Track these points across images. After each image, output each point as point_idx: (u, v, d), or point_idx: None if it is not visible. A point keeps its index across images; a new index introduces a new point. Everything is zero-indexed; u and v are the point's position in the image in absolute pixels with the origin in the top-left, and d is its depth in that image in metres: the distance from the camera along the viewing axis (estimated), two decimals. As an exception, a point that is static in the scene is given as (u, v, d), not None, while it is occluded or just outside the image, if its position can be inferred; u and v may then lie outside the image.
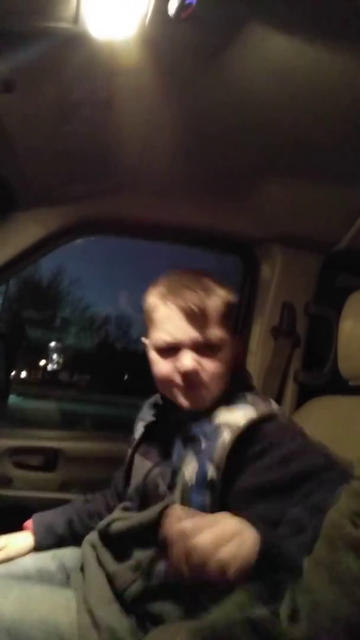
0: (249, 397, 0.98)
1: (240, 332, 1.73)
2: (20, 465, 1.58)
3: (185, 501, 0.87)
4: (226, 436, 0.87)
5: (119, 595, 0.91)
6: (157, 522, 0.87)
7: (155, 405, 1.12)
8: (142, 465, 1.03)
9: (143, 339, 1.05)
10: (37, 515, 1.19)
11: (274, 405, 0.98)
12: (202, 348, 0.94)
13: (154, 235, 1.71)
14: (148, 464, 1.01)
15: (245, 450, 0.88)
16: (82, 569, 1.04)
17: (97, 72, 0.98)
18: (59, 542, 1.16)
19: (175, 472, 0.91)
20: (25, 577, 1.06)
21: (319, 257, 1.63)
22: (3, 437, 1.60)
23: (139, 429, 1.09)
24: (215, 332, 0.95)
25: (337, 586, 0.54)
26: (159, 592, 0.87)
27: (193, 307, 0.93)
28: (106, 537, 1.00)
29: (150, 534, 0.89)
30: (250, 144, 1.22)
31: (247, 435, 0.88)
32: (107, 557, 0.98)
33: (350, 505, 0.57)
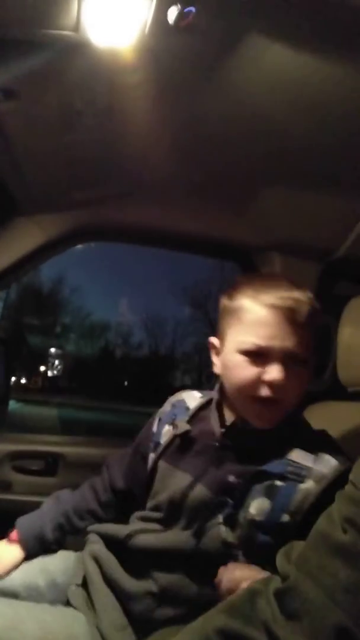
0: (329, 440, 0.93)
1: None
2: (20, 470, 1.58)
3: (248, 538, 0.83)
4: (311, 485, 0.83)
5: (134, 619, 0.87)
6: (201, 553, 0.85)
7: (190, 410, 1.03)
8: (175, 476, 0.95)
9: (212, 340, 0.96)
10: (22, 522, 1.08)
11: (340, 452, 0.90)
12: (291, 359, 0.87)
13: (154, 241, 1.72)
14: (187, 477, 0.93)
15: (324, 502, 0.81)
16: (83, 583, 0.99)
17: (98, 79, 0.99)
18: (47, 549, 1.09)
19: (237, 505, 0.85)
20: (13, 595, 0.99)
21: (318, 264, 1.64)
22: (3, 442, 1.60)
23: (166, 434, 1.01)
24: (307, 346, 0.88)
25: (324, 592, 0.53)
26: (180, 620, 0.82)
27: (296, 313, 0.86)
28: (122, 550, 0.94)
29: (182, 558, 0.87)
30: (249, 153, 1.23)
31: (331, 489, 0.81)
32: (118, 573, 0.92)
33: (342, 511, 0.57)
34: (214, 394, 1.00)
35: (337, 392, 1.36)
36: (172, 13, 0.79)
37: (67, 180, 1.37)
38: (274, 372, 0.85)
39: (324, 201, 1.40)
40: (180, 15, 0.79)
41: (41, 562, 1.06)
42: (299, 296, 0.88)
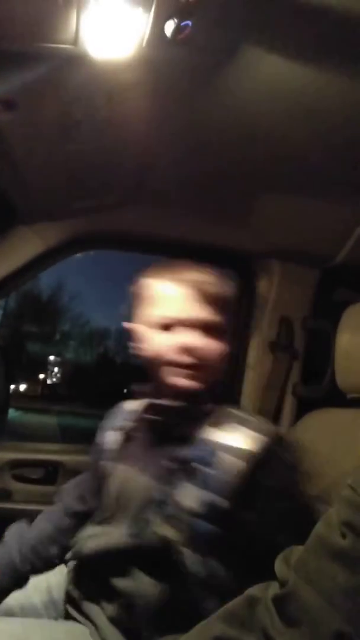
0: (237, 414, 0.95)
1: (238, 347, 1.73)
2: (20, 479, 1.58)
3: (188, 528, 0.83)
4: (240, 465, 0.84)
5: (121, 628, 0.87)
6: (145, 550, 0.85)
7: (127, 410, 1.09)
8: (120, 470, 0.99)
9: (129, 324, 1.01)
10: None
11: (264, 424, 0.93)
12: (203, 328, 0.93)
13: (152, 249, 1.73)
14: (129, 469, 0.96)
15: (258, 478, 0.84)
16: (72, 598, 0.98)
17: (97, 91, 1.00)
18: (18, 584, 1.05)
19: (169, 495, 0.86)
20: (9, 615, 0.98)
21: (316, 271, 1.65)
22: (3, 450, 1.60)
23: (111, 437, 1.05)
24: (216, 315, 0.94)
25: (323, 597, 0.53)
26: (147, 620, 0.84)
27: (198, 285, 0.93)
28: (79, 560, 0.96)
29: (129, 557, 0.87)
30: (247, 161, 1.24)
31: (257, 462, 0.85)
32: (87, 587, 0.93)
33: (341, 515, 0.57)
34: (144, 387, 1.04)
35: (336, 398, 1.37)
36: (169, 27, 0.80)
37: (67, 189, 1.38)
38: (184, 338, 0.91)
39: (322, 208, 1.42)
40: (177, 29, 0.80)
41: (33, 581, 1.05)
42: (200, 274, 0.96)
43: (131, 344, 1.01)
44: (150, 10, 0.79)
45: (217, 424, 0.91)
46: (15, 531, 1.11)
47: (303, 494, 0.94)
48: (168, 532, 0.84)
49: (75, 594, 0.96)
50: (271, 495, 0.85)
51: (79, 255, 1.64)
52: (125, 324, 1.02)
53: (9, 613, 0.99)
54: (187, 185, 1.39)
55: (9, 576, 1.04)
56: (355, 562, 0.53)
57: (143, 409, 1.03)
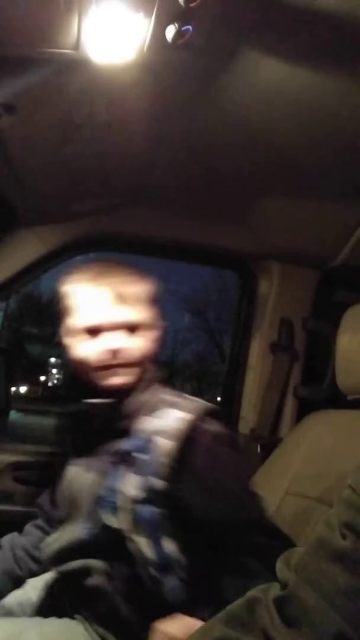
0: (166, 398, 0.99)
1: (239, 348, 1.74)
2: (21, 481, 1.58)
3: (134, 517, 0.87)
4: (168, 444, 0.88)
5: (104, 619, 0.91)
6: (97, 543, 0.90)
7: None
8: (69, 476, 1.03)
9: (60, 330, 1.04)
10: None
11: (192, 403, 0.97)
12: (123, 328, 0.96)
13: (153, 251, 1.73)
14: (77, 472, 1.00)
15: (188, 456, 0.89)
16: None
17: (97, 95, 1.01)
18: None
19: (113, 487, 0.90)
20: (8, 614, 1.01)
21: (316, 272, 1.65)
22: (4, 453, 1.59)
23: (65, 440, 1.09)
24: (136, 314, 0.97)
25: (324, 598, 0.53)
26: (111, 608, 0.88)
27: (115, 288, 0.96)
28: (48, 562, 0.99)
29: (85, 550, 0.91)
30: (246, 164, 1.25)
31: (183, 439, 0.89)
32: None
33: (341, 516, 0.57)
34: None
35: (337, 399, 1.37)
36: (170, 31, 0.81)
37: (67, 192, 1.39)
38: (105, 342, 0.95)
39: (322, 210, 1.42)
40: (178, 34, 0.81)
41: (31, 579, 1.07)
42: (116, 275, 0.99)
43: (66, 353, 1.04)
44: (151, 15, 0.79)
45: (150, 411, 0.96)
46: (7, 539, 1.14)
47: (240, 466, 0.99)
48: (116, 522, 0.87)
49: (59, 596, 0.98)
50: (199, 470, 0.88)
51: (79, 257, 1.65)
52: (59, 330, 1.05)
53: (8, 612, 1.00)
54: (187, 188, 1.40)
55: (6, 579, 1.06)
56: (356, 563, 0.53)
57: (82, 411, 1.05)
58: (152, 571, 0.86)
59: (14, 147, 1.14)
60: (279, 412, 1.62)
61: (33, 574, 1.09)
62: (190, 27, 0.81)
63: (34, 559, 1.10)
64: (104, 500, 0.90)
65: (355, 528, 0.54)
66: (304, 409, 1.59)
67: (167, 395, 1.00)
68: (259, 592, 0.62)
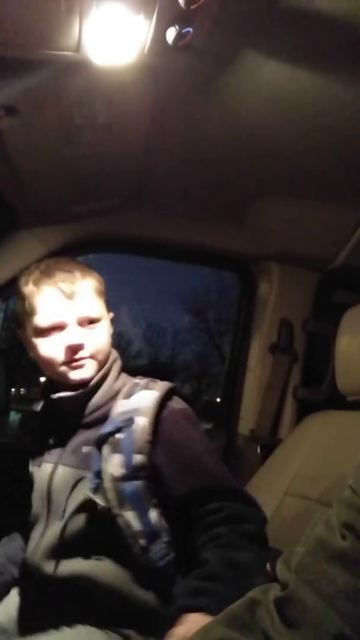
0: (139, 382, 1.03)
1: (239, 349, 1.74)
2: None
3: (118, 494, 0.90)
4: (142, 420, 0.92)
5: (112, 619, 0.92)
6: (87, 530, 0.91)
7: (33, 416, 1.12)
8: (40, 470, 1.03)
9: (19, 332, 1.06)
10: None
11: (160, 384, 1.01)
12: (84, 323, 0.99)
13: (152, 252, 1.74)
14: (48, 466, 1.01)
15: (161, 430, 0.93)
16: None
17: (98, 96, 1.01)
18: None
19: (97, 473, 0.92)
20: (2, 632, 1.00)
21: (316, 274, 1.65)
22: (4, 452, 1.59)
23: (26, 442, 1.10)
24: (94, 307, 1.01)
25: (324, 599, 0.53)
26: (107, 593, 0.91)
27: (70, 285, 0.98)
28: (36, 572, 0.97)
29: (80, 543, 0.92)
30: (246, 165, 1.25)
31: (159, 414, 0.94)
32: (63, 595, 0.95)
33: (341, 516, 0.57)
34: (42, 386, 1.10)
35: (336, 401, 1.37)
36: (171, 33, 0.81)
37: (67, 193, 1.39)
38: (69, 338, 0.97)
39: (322, 211, 1.42)
40: (179, 36, 0.81)
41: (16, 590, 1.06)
42: (68, 273, 1.00)
43: (28, 354, 1.06)
44: (151, 17, 0.80)
45: (127, 395, 1.00)
46: None
47: (206, 438, 1.03)
48: (103, 500, 0.90)
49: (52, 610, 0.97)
50: (171, 441, 0.94)
51: (79, 258, 1.65)
52: (18, 333, 1.07)
53: (1, 629, 0.99)
54: (187, 189, 1.40)
55: None
56: (355, 564, 0.53)
57: (48, 408, 1.07)
58: (142, 541, 0.90)
59: (15, 149, 1.14)
60: (279, 413, 1.62)
61: (17, 581, 1.07)
62: (190, 30, 0.81)
63: (13, 564, 1.09)
64: (89, 484, 0.92)
65: (355, 529, 0.54)
66: (304, 410, 1.59)
67: (137, 379, 1.04)
68: (259, 593, 0.62)
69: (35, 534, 0.99)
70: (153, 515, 0.92)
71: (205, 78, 0.97)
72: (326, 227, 1.48)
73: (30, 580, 0.99)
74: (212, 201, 1.47)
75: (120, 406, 0.98)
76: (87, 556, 0.92)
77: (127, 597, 0.90)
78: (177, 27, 0.80)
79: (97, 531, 0.92)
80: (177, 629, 0.75)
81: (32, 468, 1.06)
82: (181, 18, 0.79)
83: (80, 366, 0.98)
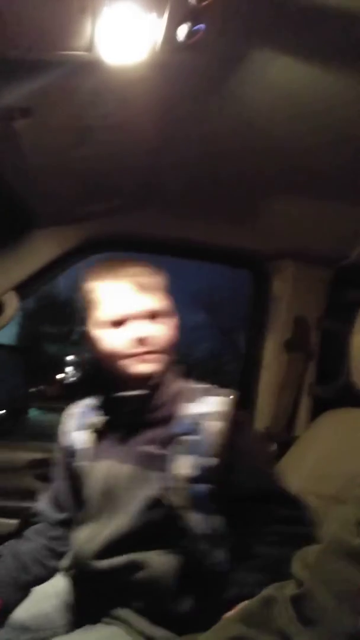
0: (199, 387, 1.04)
1: (254, 347, 1.73)
2: (42, 478, 1.60)
3: (188, 494, 0.92)
4: (217, 425, 0.95)
5: (149, 615, 0.92)
6: (151, 527, 0.92)
7: (89, 411, 1.11)
8: (100, 468, 1.01)
9: (85, 329, 1.05)
10: None
11: (224, 390, 1.04)
12: (149, 317, 0.99)
13: (166, 250, 1.74)
14: (112, 463, 1.00)
15: (232, 435, 0.95)
16: (87, 602, 1.01)
17: (110, 96, 1.01)
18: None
19: (167, 471, 0.93)
20: (21, 628, 0.99)
21: (330, 271, 1.64)
22: (24, 450, 1.62)
23: (80, 438, 1.07)
24: (160, 302, 1.01)
25: (339, 597, 0.53)
26: (159, 592, 0.92)
27: (138, 278, 0.99)
28: (84, 564, 0.97)
29: (139, 538, 0.93)
30: (258, 163, 1.25)
31: (230, 420, 0.96)
32: (100, 584, 0.96)
33: (357, 515, 0.57)
34: (103, 383, 1.08)
35: (352, 398, 1.36)
36: (182, 31, 0.81)
37: (81, 193, 1.40)
38: (134, 330, 0.97)
39: (334, 208, 1.41)
40: (190, 33, 0.81)
41: (40, 588, 1.06)
42: (135, 267, 1.02)
43: (89, 349, 1.06)
44: (163, 15, 0.80)
45: (189, 399, 1.00)
46: (9, 550, 1.10)
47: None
48: (172, 500, 0.91)
49: (89, 600, 0.98)
50: (244, 447, 0.97)
51: (94, 256, 1.66)
52: (85, 329, 1.06)
53: (22, 625, 0.99)
54: (200, 188, 1.40)
55: (12, 590, 1.03)
56: None
57: (110, 404, 1.06)
58: (203, 545, 0.92)
59: (29, 150, 1.15)
60: (294, 411, 1.62)
61: (40, 580, 1.07)
62: (202, 26, 0.81)
63: (42, 564, 1.08)
64: (156, 483, 0.93)
65: None
66: (319, 407, 1.58)
67: (196, 384, 1.06)
68: (275, 591, 0.62)
69: (91, 529, 0.99)
70: (217, 519, 0.94)
71: (216, 76, 0.97)
72: (339, 223, 1.46)
73: (77, 572, 1.00)
74: (225, 199, 1.47)
75: (188, 408, 0.99)
76: (145, 551, 0.93)
77: (173, 595, 0.91)
78: (188, 25, 0.80)
79: (160, 530, 0.93)
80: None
81: (86, 464, 1.04)
82: (192, 15, 0.79)
83: (146, 360, 0.98)
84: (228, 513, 0.95)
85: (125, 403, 1.02)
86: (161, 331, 1.00)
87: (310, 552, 0.64)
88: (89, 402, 1.13)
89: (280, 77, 0.94)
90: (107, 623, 0.95)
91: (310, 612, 0.55)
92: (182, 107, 1.06)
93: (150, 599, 0.92)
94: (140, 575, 0.92)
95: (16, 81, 0.93)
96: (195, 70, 0.94)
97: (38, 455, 1.61)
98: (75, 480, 1.07)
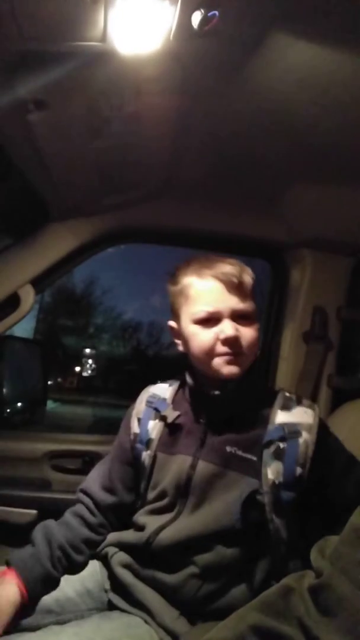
0: (289, 395, 1.06)
1: (272, 338, 1.72)
2: (58, 469, 1.62)
3: (276, 499, 0.93)
4: (306, 436, 0.96)
5: (181, 605, 0.94)
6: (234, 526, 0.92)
7: (168, 399, 1.11)
8: (174, 461, 1.02)
9: (171, 324, 1.08)
10: (20, 564, 1.00)
11: (308, 400, 1.08)
12: (239, 317, 0.99)
13: (183, 242, 1.73)
14: (186, 458, 1.00)
15: (320, 445, 0.96)
16: (113, 589, 1.03)
17: (125, 86, 1.00)
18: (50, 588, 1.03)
19: (257, 474, 0.94)
20: (46, 612, 0.99)
21: (350, 260, 1.61)
22: (42, 442, 1.64)
23: (155, 428, 1.07)
24: (250, 303, 1.01)
25: (355, 586, 0.53)
26: (220, 592, 0.94)
27: (231, 277, 0.98)
28: (146, 551, 0.99)
29: (219, 536, 0.94)
30: (276, 151, 1.22)
31: (320, 432, 0.98)
32: (154, 572, 0.97)
33: None
34: (187, 378, 1.09)
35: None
36: (196, 18, 0.80)
37: (97, 185, 1.40)
38: (226, 329, 0.97)
39: (353, 196, 1.38)
40: (204, 20, 0.80)
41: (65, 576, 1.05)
42: (231, 265, 1.01)
43: (174, 341, 1.08)
44: (177, 2, 0.78)
45: (285, 406, 1.02)
46: (43, 534, 1.06)
47: None
48: (263, 505, 0.93)
49: (128, 579, 0.99)
50: (337, 454, 1.01)
51: (110, 249, 1.66)
52: (169, 323, 1.08)
53: (46, 609, 0.99)
54: (217, 177, 1.39)
55: (42, 583, 1.00)
56: None
57: (191, 400, 1.07)
58: (284, 550, 0.94)
59: (45, 142, 1.15)
60: (314, 402, 1.60)
61: (70, 572, 1.06)
62: (216, 13, 0.79)
63: (71, 559, 1.05)
64: (245, 485, 0.94)
65: None
66: (339, 398, 1.57)
67: (285, 392, 1.08)
68: (293, 581, 0.63)
69: (166, 518, 1.00)
70: (297, 527, 0.96)
71: (232, 63, 0.95)
72: (358, 212, 1.43)
73: (137, 557, 1.01)
74: (242, 189, 1.45)
75: (282, 416, 1.00)
76: (227, 548, 0.94)
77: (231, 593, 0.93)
78: (202, 11, 0.79)
79: (246, 532, 0.93)
80: None
81: (161, 455, 1.05)
82: (206, 1, 0.78)
83: (233, 361, 0.98)
84: (308, 522, 0.97)
85: (213, 402, 1.03)
86: (247, 332, 0.99)
87: (329, 542, 0.64)
88: (160, 391, 1.14)
89: (298, 61, 0.92)
90: (128, 611, 0.97)
91: (329, 602, 0.55)
92: (198, 96, 1.04)
93: (204, 594, 0.93)
94: (212, 570, 0.93)
95: (30, 73, 0.92)
96: (211, 58, 0.93)
97: (55, 447, 1.63)
98: (140, 468, 1.08)
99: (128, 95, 1.02)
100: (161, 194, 1.50)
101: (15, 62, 0.90)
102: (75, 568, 1.06)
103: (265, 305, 1.80)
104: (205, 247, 1.78)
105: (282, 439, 0.96)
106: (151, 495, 1.05)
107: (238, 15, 0.82)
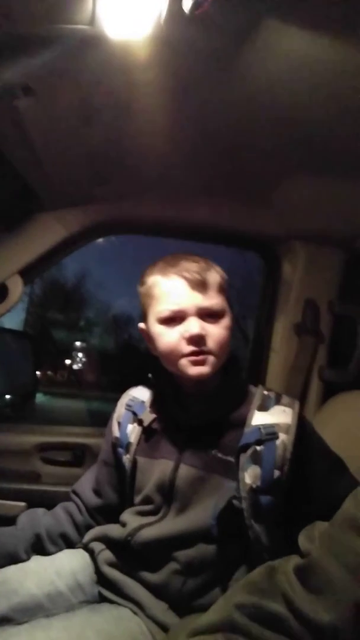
0: (269, 394, 1.03)
1: (263, 331, 1.72)
2: (48, 461, 1.61)
3: (253, 503, 0.90)
4: (284, 438, 0.93)
5: (168, 599, 0.93)
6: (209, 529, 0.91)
7: (147, 402, 1.10)
8: (156, 465, 1.01)
9: (141, 326, 1.06)
10: None
11: (288, 398, 1.03)
12: (206, 315, 0.97)
13: (175, 233, 1.72)
14: (168, 462, 1.00)
15: (300, 446, 0.93)
16: (102, 583, 1.03)
17: (114, 73, 0.98)
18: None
19: (233, 478, 0.92)
20: (36, 606, 0.98)
21: (342, 253, 1.61)
22: (31, 434, 1.63)
23: (133, 432, 1.06)
24: (217, 300, 0.98)
25: (347, 570, 0.55)
26: (206, 587, 0.93)
27: (195, 275, 0.97)
28: (126, 548, 0.98)
29: (200, 536, 0.93)
30: (268, 141, 1.21)
31: (299, 434, 0.94)
32: (137, 568, 0.97)
33: None
34: (161, 381, 1.07)
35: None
36: (187, 2, 0.78)
37: (88, 175, 1.38)
38: (190, 328, 0.95)
39: (346, 189, 1.38)
40: (196, 4, 0.78)
41: (53, 566, 1.06)
42: (196, 263, 0.99)
43: (147, 344, 1.05)
44: (167, -16, 0.76)
45: (263, 407, 0.99)
46: (29, 519, 1.12)
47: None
48: (243, 509, 0.90)
49: (115, 574, 0.99)
50: (320, 454, 0.98)
51: (101, 242, 1.65)
52: (139, 326, 1.06)
53: (36, 602, 0.98)
54: (209, 169, 1.37)
55: (4, 559, 1.05)
56: None
57: (168, 402, 1.05)
58: (266, 556, 0.89)
59: (34, 130, 1.13)
60: (304, 395, 1.61)
61: (40, 551, 1.09)
62: (208, -3, 0.78)
63: (43, 545, 1.09)
64: (222, 489, 0.93)
65: None
66: (330, 391, 1.57)
67: (265, 390, 1.04)
68: (278, 563, 0.65)
69: (147, 519, 0.99)
70: (279, 533, 0.92)
71: (225, 51, 0.93)
72: (351, 205, 1.43)
73: (121, 553, 1.00)
74: (234, 180, 1.44)
75: (260, 418, 0.97)
76: (196, 547, 0.93)
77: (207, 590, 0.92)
78: (193, -6, 0.77)
79: (227, 535, 0.92)
80: None
81: (141, 459, 1.04)
82: (198, -16, 0.76)
83: (200, 361, 0.96)
84: (289, 527, 0.93)
85: (189, 404, 1.01)
86: (214, 330, 0.97)
87: (317, 525, 0.67)
88: (139, 393, 1.13)
89: (291, 48, 0.90)
90: (118, 604, 0.97)
91: (315, 581, 0.57)
92: (190, 83, 1.02)
93: (189, 589, 0.92)
94: (194, 567, 0.92)
95: (16, 57, 0.90)
96: (204, 44, 0.91)
97: (45, 439, 1.62)
98: (123, 471, 1.07)
99: (117, 82, 1.00)
100: (153, 184, 1.48)
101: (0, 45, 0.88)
102: (49, 549, 1.10)
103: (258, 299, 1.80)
104: (196, 239, 1.76)
105: (259, 442, 0.92)
106: (137, 499, 1.04)
107: (230, 1, 0.80)
